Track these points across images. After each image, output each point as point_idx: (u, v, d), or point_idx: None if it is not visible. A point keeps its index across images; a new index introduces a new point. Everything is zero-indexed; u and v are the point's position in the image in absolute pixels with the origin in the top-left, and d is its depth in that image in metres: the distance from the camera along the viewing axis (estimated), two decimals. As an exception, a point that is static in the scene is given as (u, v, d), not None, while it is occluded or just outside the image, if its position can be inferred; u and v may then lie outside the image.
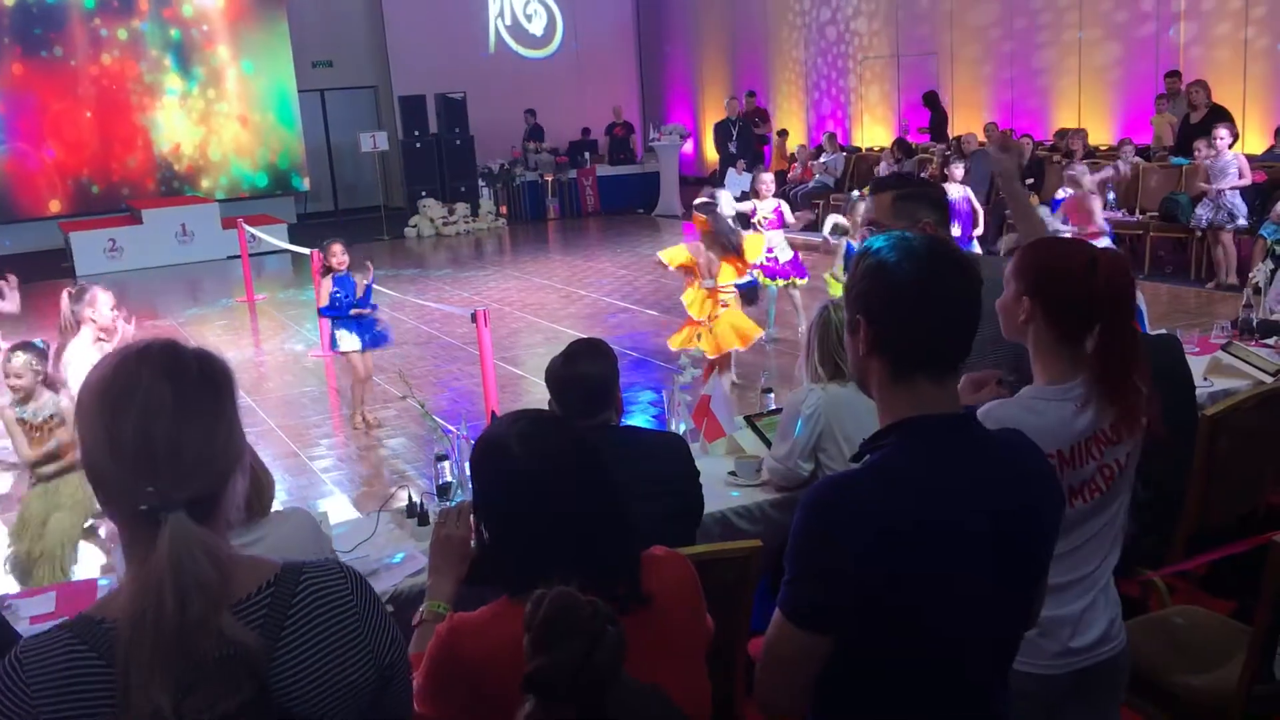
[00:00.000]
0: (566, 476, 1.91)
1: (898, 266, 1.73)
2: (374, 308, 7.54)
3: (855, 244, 7.66)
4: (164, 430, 1.32)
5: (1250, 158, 10.59)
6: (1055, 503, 1.86)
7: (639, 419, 7.05)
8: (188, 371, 1.37)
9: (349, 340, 7.33)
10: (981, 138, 13.00)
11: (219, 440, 1.37)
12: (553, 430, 1.99)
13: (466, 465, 3.02)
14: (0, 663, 1.30)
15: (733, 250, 6.98)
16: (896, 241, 1.77)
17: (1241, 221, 10.14)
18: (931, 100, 15.85)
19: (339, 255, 7.26)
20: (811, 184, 15.60)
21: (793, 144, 17.48)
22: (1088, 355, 2.20)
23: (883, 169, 13.84)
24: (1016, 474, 1.79)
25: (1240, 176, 10.20)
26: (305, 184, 19.29)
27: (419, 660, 1.88)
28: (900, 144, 15.22)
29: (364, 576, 1.49)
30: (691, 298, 7.09)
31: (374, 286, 7.53)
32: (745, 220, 8.96)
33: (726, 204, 7.66)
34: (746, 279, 7.53)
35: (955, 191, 9.73)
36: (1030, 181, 11.69)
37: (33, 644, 1.31)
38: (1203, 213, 10.33)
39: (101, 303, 5.19)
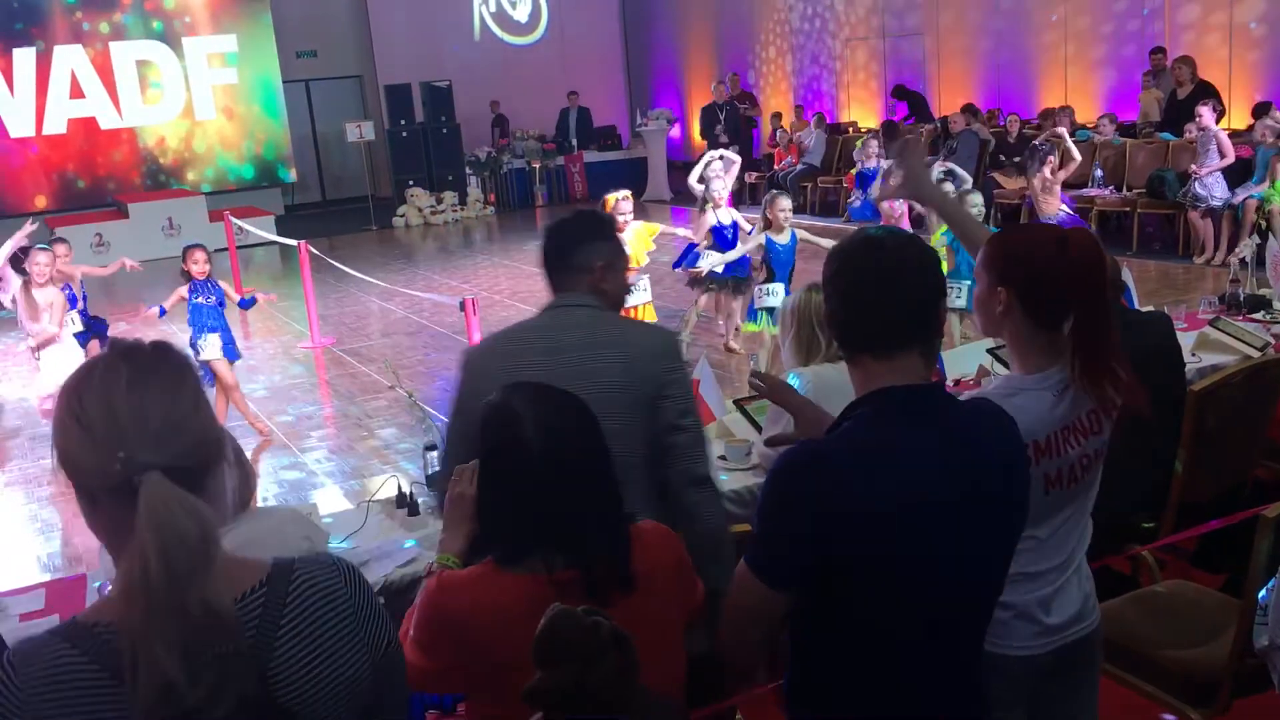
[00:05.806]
0: (566, 458, 1.95)
1: (858, 255, 1.88)
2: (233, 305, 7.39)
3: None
4: (124, 398, 1.33)
5: (1234, 134, 10.58)
6: (1023, 469, 1.90)
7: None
8: (142, 352, 1.40)
9: (212, 347, 6.98)
10: (964, 119, 12.97)
11: (184, 407, 1.36)
12: (563, 408, 2.02)
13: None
14: None
15: None
16: (868, 234, 1.92)
17: (1215, 202, 10.15)
18: (900, 93, 15.80)
19: (200, 263, 7.00)
20: (799, 167, 15.57)
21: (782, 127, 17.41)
22: (1064, 343, 2.15)
23: (872, 149, 13.74)
24: (983, 441, 1.84)
25: (1221, 156, 10.19)
26: (292, 175, 19.17)
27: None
28: (887, 126, 15.17)
29: (356, 568, 1.49)
30: None
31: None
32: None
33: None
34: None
35: None
36: (1018, 160, 11.68)
37: (25, 649, 1.29)
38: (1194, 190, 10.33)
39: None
